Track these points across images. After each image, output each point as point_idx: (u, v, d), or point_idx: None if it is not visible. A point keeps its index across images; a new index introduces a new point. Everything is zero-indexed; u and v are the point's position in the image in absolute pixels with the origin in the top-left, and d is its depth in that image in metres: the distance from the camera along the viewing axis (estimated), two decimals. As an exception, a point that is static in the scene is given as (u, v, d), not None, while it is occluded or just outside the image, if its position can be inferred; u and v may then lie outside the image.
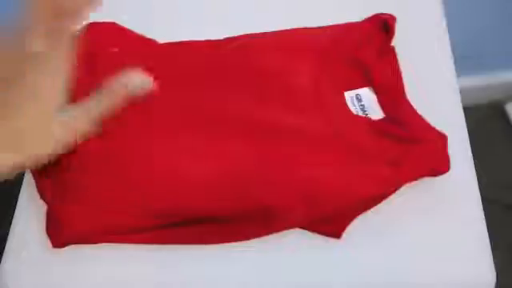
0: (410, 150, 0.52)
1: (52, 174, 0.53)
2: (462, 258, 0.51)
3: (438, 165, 0.53)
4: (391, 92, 0.57)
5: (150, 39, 0.62)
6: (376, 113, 0.56)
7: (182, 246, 0.52)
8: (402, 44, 0.61)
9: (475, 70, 1.21)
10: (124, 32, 0.63)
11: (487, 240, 0.52)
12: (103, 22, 0.63)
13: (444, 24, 0.66)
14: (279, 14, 0.66)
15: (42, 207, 0.54)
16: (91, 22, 0.63)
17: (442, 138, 0.53)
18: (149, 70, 0.55)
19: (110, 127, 0.52)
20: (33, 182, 0.55)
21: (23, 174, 0.57)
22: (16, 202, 0.56)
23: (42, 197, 0.54)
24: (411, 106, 0.57)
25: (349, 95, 0.57)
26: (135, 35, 0.63)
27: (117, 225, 0.52)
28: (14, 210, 0.55)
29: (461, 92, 0.61)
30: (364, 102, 0.57)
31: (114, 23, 0.63)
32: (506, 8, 1.07)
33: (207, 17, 0.66)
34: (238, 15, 0.66)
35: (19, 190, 0.56)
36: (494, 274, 0.51)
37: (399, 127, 0.54)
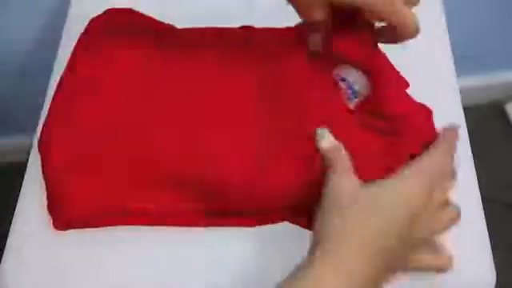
0: (397, 131, 0.51)
1: (59, 148, 0.54)
2: (462, 258, 0.51)
3: (426, 136, 0.53)
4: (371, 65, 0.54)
5: (167, 24, 0.63)
6: (361, 86, 0.54)
7: (183, 232, 0.52)
8: (402, 44, 0.61)
9: (475, 70, 1.21)
10: (140, 17, 0.64)
11: (487, 240, 0.52)
12: (120, 8, 0.64)
13: (444, 24, 0.66)
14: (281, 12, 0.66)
15: (42, 206, 0.54)
16: (108, 8, 0.64)
17: (426, 111, 0.53)
18: (162, 53, 0.57)
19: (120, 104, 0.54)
20: (33, 180, 0.55)
21: (23, 173, 0.57)
22: (16, 202, 0.56)
23: (46, 171, 0.54)
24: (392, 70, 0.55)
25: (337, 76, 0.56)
26: (152, 20, 0.64)
27: (116, 201, 0.52)
28: (14, 209, 0.55)
29: (461, 92, 0.61)
30: (349, 79, 0.55)
31: (131, 9, 0.64)
32: (506, 8, 1.07)
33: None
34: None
35: (19, 190, 0.57)
36: (494, 273, 0.51)
37: (383, 118, 0.52)
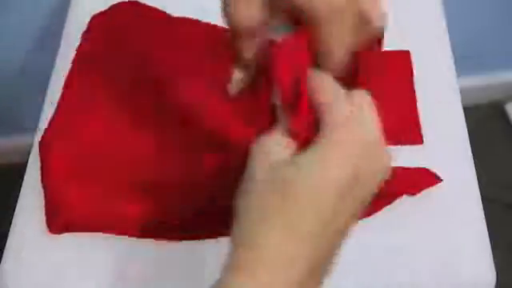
0: None
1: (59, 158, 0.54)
2: (462, 258, 0.51)
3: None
4: None
5: (173, 17, 0.63)
6: None
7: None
8: (402, 44, 0.61)
9: (475, 69, 1.21)
10: (145, 11, 0.64)
11: (487, 240, 0.52)
12: (125, 1, 0.64)
13: (444, 24, 0.66)
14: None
15: (42, 207, 0.54)
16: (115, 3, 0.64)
17: None
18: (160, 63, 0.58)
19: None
20: (33, 180, 0.55)
21: (23, 173, 0.57)
22: (16, 202, 0.56)
23: (45, 179, 0.54)
24: None
25: None
26: (158, 14, 0.64)
27: (105, 210, 0.52)
28: (14, 210, 0.55)
29: (461, 92, 0.61)
30: None
31: (136, 2, 0.64)
32: (506, 8, 1.07)
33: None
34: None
35: (19, 190, 0.57)
36: (494, 273, 0.51)
37: None
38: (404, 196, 0.52)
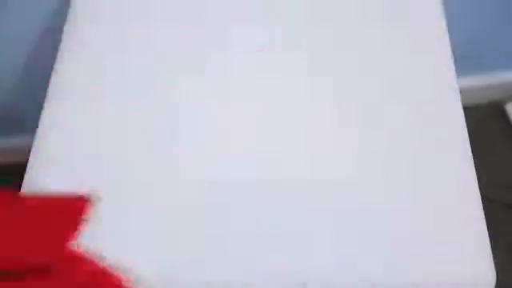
0: None
1: None
2: (462, 258, 0.51)
3: None
4: None
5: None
6: None
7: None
8: (403, 44, 0.61)
9: (475, 70, 1.21)
10: None
11: (487, 240, 0.52)
12: None
13: (444, 24, 0.66)
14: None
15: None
16: None
17: None
18: None
19: None
20: (33, 180, 0.55)
21: (23, 173, 0.57)
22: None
23: None
24: None
25: None
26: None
27: None
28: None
29: (461, 92, 0.61)
30: None
31: None
32: (506, 8, 1.07)
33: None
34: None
35: (19, 190, 0.56)
36: (494, 273, 0.51)
37: None
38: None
